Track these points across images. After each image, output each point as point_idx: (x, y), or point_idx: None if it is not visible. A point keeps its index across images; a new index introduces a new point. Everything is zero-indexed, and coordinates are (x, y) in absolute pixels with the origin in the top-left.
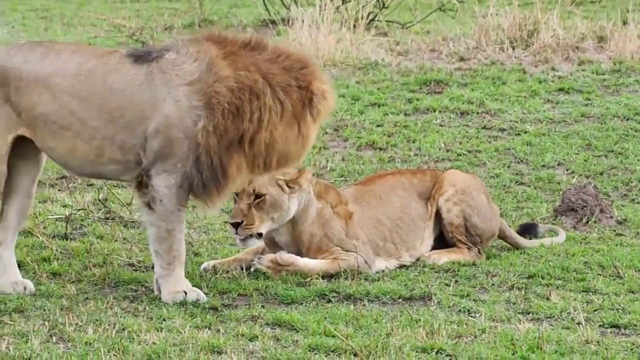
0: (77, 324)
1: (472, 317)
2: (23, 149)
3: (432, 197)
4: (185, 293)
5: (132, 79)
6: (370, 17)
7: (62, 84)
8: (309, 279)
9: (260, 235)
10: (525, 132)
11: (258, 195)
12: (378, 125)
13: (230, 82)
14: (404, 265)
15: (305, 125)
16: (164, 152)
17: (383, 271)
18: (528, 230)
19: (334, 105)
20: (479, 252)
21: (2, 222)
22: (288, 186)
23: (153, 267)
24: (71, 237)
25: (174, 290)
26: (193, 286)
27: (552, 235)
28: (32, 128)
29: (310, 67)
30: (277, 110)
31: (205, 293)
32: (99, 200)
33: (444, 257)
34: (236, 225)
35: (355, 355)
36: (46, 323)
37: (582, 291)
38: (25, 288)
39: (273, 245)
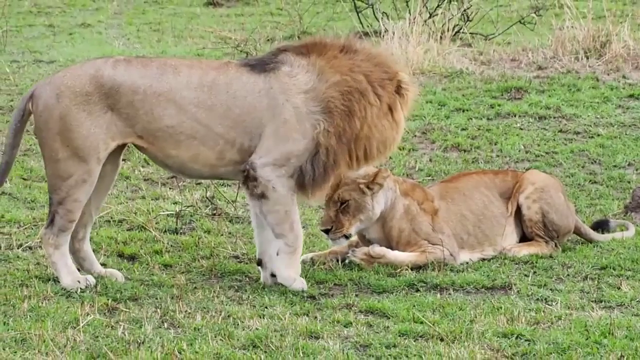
0: (186, 311)
1: (549, 305)
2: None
3: (513, 195)
4: (294, 281)
5: (252, 87)
6: (456, 29)
7: (188, 96)
8: (398, 270)
9: (349, 235)
10: (598, 135)
11: (342, 202)
12: (463, 129)
13: (341, 86)
14: (486, 258)
15: (397, 112)
16: (277, 150)
17: (467, 263)
18: (601, 225)
19: (417, 92)
20: (555, 245)
21: (80, 219)
22: (368, 188)
23: (256, 260)
24: (181, 231)
25: (290, 273)
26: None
27: (622, 230)
28: (149, 138)
29: (391, 60)
30: (378, 105)
31: None
32: (207, 198)
33: (523, 250)
34: (327, 232)
35: (442, 340)
36: (158, 310)
37: None
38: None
39: (365, 240)
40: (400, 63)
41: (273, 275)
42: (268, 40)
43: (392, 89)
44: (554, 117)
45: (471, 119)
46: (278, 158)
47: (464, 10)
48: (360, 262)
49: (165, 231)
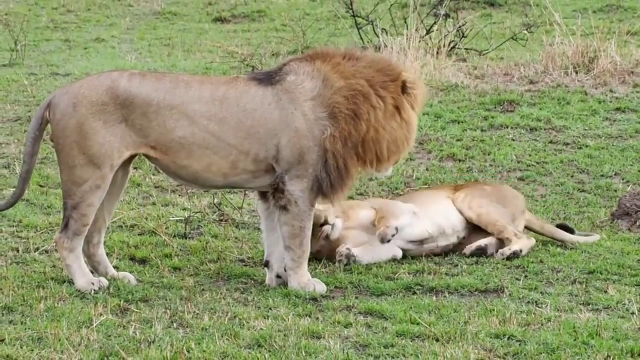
0: (194, 312)
1: (539, 307)
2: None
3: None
4: (312, 286)
5: (261, 100)
6: (451, 45)
7: (200, 109)
8: (396, 275)
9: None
10: (587, 146)
11: None
12: (458, 140)
13: (345, 91)
14: (447, 253)
15: (405, 112)
16: (297, 160)
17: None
18: (563, 228)
19: (425, 90)
20: (516, 235)
21: (94, 225)
22: None
23: (262, 262)
24: (190, 236)
25: (303, 281)
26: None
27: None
28: (162, 148)
29: (394, 63)
30: (381, 107)
31: None
32: (214, 204)
33: (505, 251)
34: None
35: (437, 340)
36: (168, 311)
37: (636, 285)
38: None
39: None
40: (403, 65)
41: (278, 277)
42: (273, 54)
43: (396, 90)
44: (545, 129)
45: (466, 130)
46: (299, 168)
47: (459, 27)
48: (338, 262)
49: (174, 236)
